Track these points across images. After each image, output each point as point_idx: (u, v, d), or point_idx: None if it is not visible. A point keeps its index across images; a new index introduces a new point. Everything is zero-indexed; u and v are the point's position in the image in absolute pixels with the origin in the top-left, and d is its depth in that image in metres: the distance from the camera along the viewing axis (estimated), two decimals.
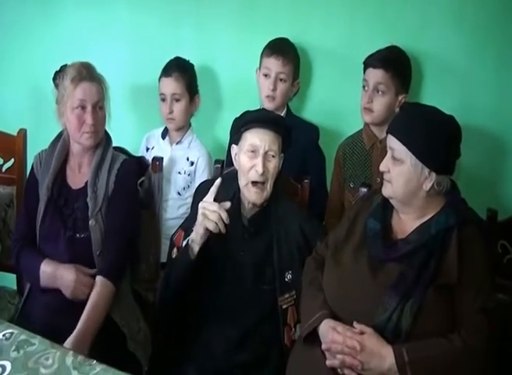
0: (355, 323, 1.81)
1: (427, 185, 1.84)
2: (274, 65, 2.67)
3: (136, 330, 2.25)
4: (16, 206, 2.59)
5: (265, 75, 2.70)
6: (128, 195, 2.30)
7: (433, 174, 1.83)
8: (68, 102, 2.22)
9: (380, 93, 2.51)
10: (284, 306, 2.11)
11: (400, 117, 1.92)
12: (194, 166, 2.81)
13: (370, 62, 2.53)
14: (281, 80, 2.69)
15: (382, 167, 1.90)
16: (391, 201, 1.93)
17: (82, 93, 2.20)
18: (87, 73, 2.21)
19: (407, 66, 2.57)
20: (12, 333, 1.76)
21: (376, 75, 2.50)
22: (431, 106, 1.91)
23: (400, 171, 1.84)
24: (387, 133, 1.91)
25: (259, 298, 2.13)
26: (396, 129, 1.88)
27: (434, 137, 1.81)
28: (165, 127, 2.89)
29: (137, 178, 2.39)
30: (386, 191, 1.91)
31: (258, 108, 2.72)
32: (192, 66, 2.84)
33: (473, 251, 1.81)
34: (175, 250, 2.23)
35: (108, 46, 3.06)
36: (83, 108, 2.21)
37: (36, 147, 2.45)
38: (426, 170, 1.82)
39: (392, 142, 1.86)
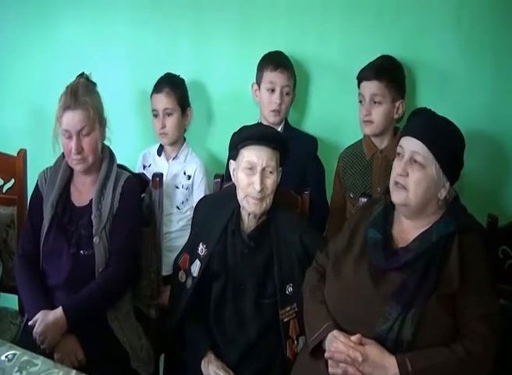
0: (355, 336, 1.80)
1: (442, 194, 1.84)
2: (280, 79, 2.68)
3: (139, 348, 2.25)
4: (17, 227, 2.59)
5: (270, 89, 2.70)
6: (132, 213, 2.31)
7: (448, 183, 1.83)
8: (60, 128, 2.26)
9: (377, 103, 2.52)
10: (285, 319, 2.11)
11: (419, 122, 1.90)
12: (192, 179, 2.83)
13: (363, 76, 2.54)
14: (286, 93, 2.71)
15: (399, 170, 1.86)
16: (401, 208, 1.90)
17: (66, 123, 2.22)
18: (71, 100, 2.22)
19: (400, 72, 2.58)
20: (14, 355, 1.76)
21: (371, 87, 2.51)
22: (441, 115, 1.91)
23: (422, 177, 1.82)
24: (405, 135, 1.89)
25: (260, 312, 2.13)
26: (421, 134, 1.84)
27: (457, 146, 1.83)
28: (160, 144, 2.91)
29: (140, 195, 2.40)
30: (400, 197, 1.87)
31: (257, 122, 2.74)
32: (182, 80, 2.87)
33: (474, 259, 1.80)
34: (181, 273, 2.24)
35: (107, 60, 3.07)
36: (70, 137, 2.23)
37: (36, 167, 2.46)
38: (445, 178, 1.82)
39: (415, 146, 1.83)
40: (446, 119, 1.89)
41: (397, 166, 1.88)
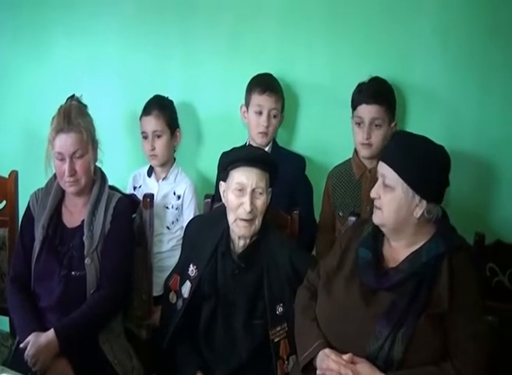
0: (347, 355, 1.81)
1: (417, 212, 1.85)
2: (267, 102, 2.71)
3: (130, 369, 2.24)
4: (8, 248, 2.59)
5: (258, 112, 2.73)
6: (124, 234, 2.32)
7: (424, 202, 1.84)
8: (52, 150, 2.27)
9: (377, 127, 2.54)
10: (276, 339, 2.11)
11: (392, 145, 1.93)
12: (181, 199, 2.85)
13: (362, 99, 2.55)
14: (273, 116, 2.74)
15: (372, 194, 1.91)
16: (382, 228, 1.93)
17: (58, 145, 2.23)
18: (64, 123, 2.22)
19: (394, 95, 2.61)
20: None
21: (371, 111, 2.53)
22: (421, 135, 1.92)
23: (392, 198, 1.85)
24: (379, 160, 1.93)
25: (251, 333, 2.14)
26: (388, 156, 1.89)
27: (425, 165, 1.83)
28: (150, 165, 2.93)
29: (132, 216, 2.41)
30: (377, 218, 1.92)
31: (245, 143, 2.77)
32: (171, 102, 2.90)
33: (464, 279, 1.82)
34: (171, 294, 2.24)
35: (98, 82, 3.10)
36: (62, 159, 2.24)
37: (28, 189, 2.46)
38: (417, 198, 1.83)
39: (384, 169, 1.87)
40: (419, 140, 1.89)
41: (372, 190, 1.93)
